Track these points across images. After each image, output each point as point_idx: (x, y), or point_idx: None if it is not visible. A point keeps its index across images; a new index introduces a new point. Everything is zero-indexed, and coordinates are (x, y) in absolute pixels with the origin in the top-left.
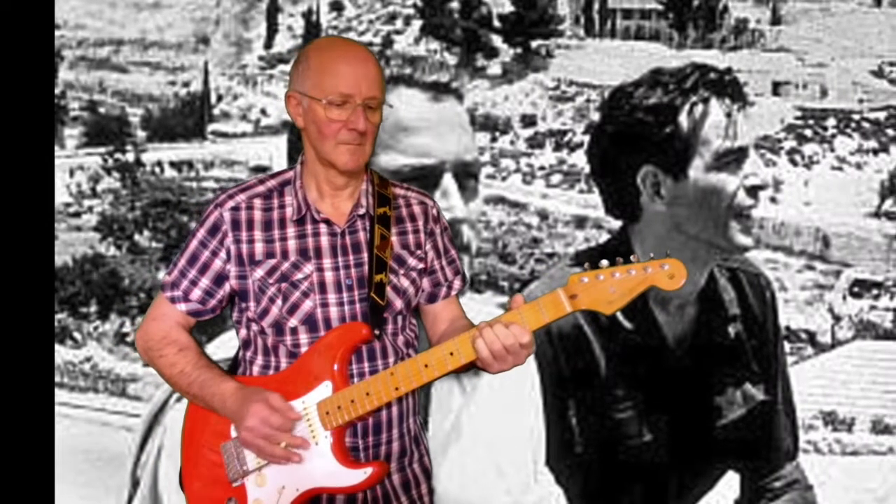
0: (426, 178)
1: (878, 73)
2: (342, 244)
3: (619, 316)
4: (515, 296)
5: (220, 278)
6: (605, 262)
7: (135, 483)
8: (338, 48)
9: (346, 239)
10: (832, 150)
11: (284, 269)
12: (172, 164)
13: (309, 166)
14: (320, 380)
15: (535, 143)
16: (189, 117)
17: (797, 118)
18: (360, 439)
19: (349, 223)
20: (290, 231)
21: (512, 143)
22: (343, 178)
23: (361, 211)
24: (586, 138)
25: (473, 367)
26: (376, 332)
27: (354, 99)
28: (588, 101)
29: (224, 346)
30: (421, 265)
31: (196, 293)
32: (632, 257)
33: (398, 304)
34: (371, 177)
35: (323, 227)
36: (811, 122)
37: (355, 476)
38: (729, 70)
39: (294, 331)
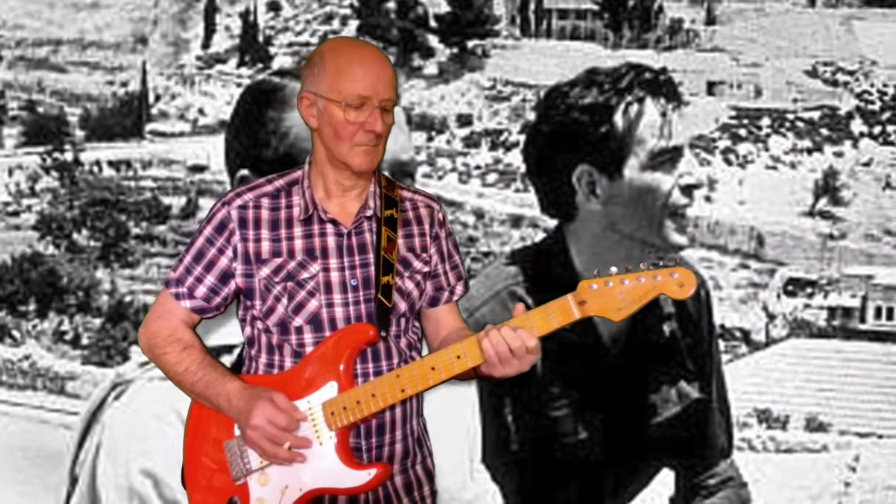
0: None
1: (813, 73)
2: (348, 245)
3: None
4: (517, 305)
5: (226, 276)
6: (614, 269)
7: (73, 480)
8: (354, 50)
9: (352, 239)
10: (766, 149)
11: (290, 268)
12: (111, 164)
13: (318, 166)
14: (326, 380)
15: (471, 142)
16: (127, 117)
17: (732, 118)
18: (363, 440)
19: (356, 224)
20: (297, 230)
21: (448, 142)
22: (352, 180)
23: (369, 212)
24: (522, 138)
25: (476, 377)
26: (382, 333)
27: (372, 101)
28: (524, 100)
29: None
30: (426, 268)
31: (201, 290)
32: (641, 265)
33: (402, 306)
34: (378, 179)
35: (329, 227)
36: (746, 121)
37: (359, 477)
38: (664, 70)
39: (299, 330)
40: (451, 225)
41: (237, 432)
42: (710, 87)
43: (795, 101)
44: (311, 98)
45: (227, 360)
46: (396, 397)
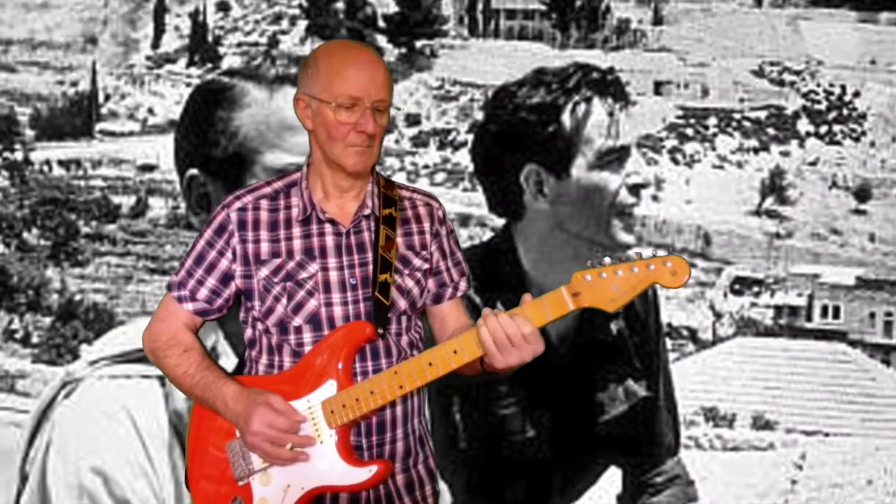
0: None
1: (759, 73)
2: (347, 244)
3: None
4: (525, 295)
5: (227, 278)
6: (607, 260)
7: (23, 478)
8: (347, 52)
9: (350, 239)
10: (713, 148)
11: (289, 268)
12: (61, 163)
13: (315, 167)
14: (324, 378)
15: (420, 141)
16: (77, 116)
17: (679, 117)
18: (363, 438)
19: (354, 223)
20: (296, 231)
21: (396, 141)
22: (349, 180)
23: (367, 212)
24: (470, 137)
25: (483, 373)
26: (380, 330)
27: (363, 102)
28: (472, 100)
29: (111, 343)
30: (426, 266)
31: (203, 292)
32: (634, 254)
33: (402, 304)
34: (377, 178)
35: (328, 227)
36: (692, 121)
37: (360, 474)
38: (611, 70)
39: (298, 330)
40: (450, 222)
41: (238, 433)
42: (658, 87)
43: (742, 100)
44: (306, 100)
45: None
46: (395, 394)
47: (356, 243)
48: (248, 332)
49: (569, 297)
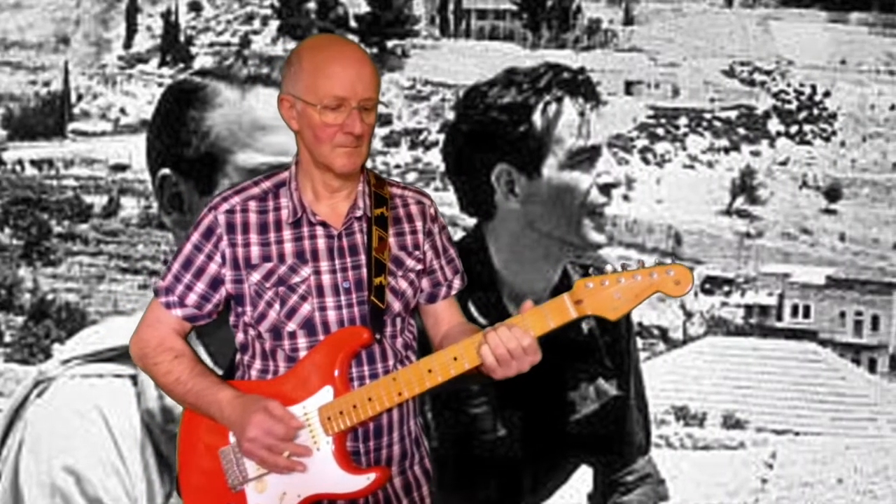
0: None
1: (730, 73)
2: (339, 246)
3: (474, 311)
4: (526, 301)
5: (216, 282)
6: (610, 268)
7: None
8: (331, 48)
9: (343, 241)
10: (684, 148)
11: (281, 272)
12: (33, 163)
13: (304, 168)
14: (321, 385)
15: (391, 141)
16: (49, 116)
17: (649, 117)
18: (360, 443)
19: (346, 225)
20: (287, 234)
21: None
22: (339, 181)
23: (358, 213)
24: (441, 137)
25: (480, 375)
26: (377, 335)
27: (349, 102)
28: (443, 100)
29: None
30: (419, 266)
31: (192, 298)
32: (637, 262)
33: (397, 306)
34: (367, 177)
35: (319, 230)
36: (663, 120)
37: (357, 482)
38: (582, 70)
39: (292, 335)
40: (443, 219)
41: (232, 439)
42: (628, 87)
43: (713, 100)
44: (291, 100)
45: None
46: (393, 401)
47: (348, 245)
48: (240, 337)
49: (571, 304)
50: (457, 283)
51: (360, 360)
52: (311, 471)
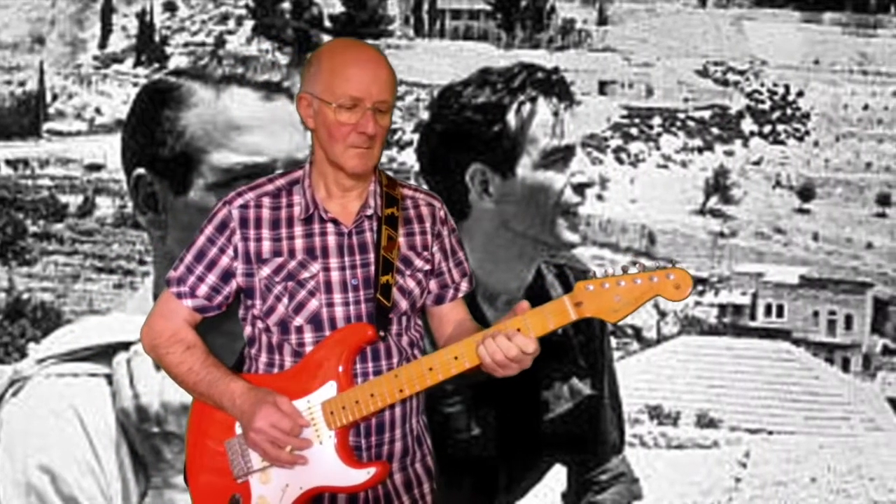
0: (258, 176)
1: (703, 73)
2: (349, 244)
3: None
4: (521, 301)
5: (227, 275)
6: (610, 270)
7: None
8: (350, 51)
9: (352, 239)
10: (658, 148)
11: (291, 267)
12: (8, 162)
13: (318, 166)
14: (325, 380)
15: None
16: (24, 116)
17: (623, 117)
18: (362, 439)
19: (356, 223)
20: (298, 230)
21: None
22: (351, 181)
23: (369, 212)
24: (416, 137)
25: (482, 372)
26: (381, 333)
27: (364, 103)
28: (418, 99)
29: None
30: (427, 266)
31: (203, 289)
32: (637, 266)
33: (403, 304)
34: (379, 177)
35: (330, 227)
36: (637, 120)
37: (358, 476)
38: (556, 69)
39: (299, 329)
40: (452, 222)
41: (238, 430)
42: (602, 87)
43: (686, 100)
44: (308, 99)
45: (124, 356)
46: (395, 397)
47: (358, 244)
48: (248, 330)
49: (571, 306)
50: (464, 286)
51: (364, 356)
52: (313, 464)
